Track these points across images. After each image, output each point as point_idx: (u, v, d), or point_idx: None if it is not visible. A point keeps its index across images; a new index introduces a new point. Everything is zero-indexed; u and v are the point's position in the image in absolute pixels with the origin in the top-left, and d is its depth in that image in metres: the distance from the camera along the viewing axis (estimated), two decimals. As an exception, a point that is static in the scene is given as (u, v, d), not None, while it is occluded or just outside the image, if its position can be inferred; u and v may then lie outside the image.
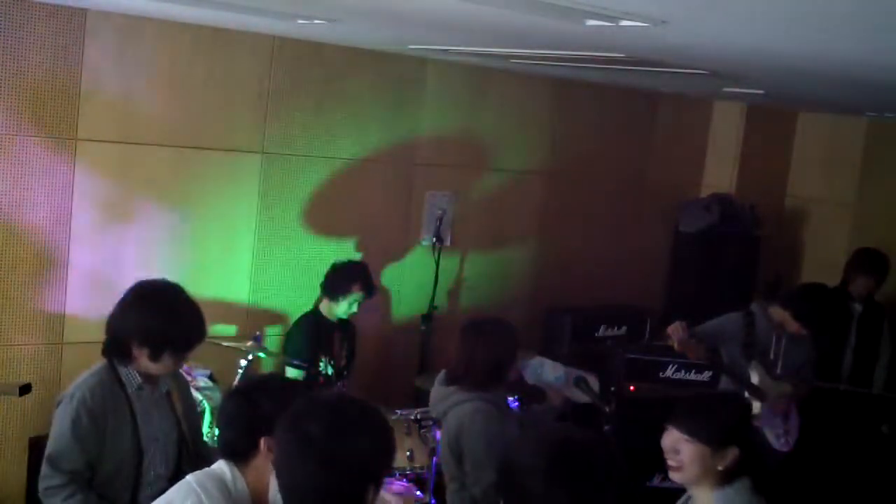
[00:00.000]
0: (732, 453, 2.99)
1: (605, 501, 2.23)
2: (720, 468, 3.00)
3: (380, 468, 2.24)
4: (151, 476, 3.25)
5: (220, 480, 2.62)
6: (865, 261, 6.25)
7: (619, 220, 7.33)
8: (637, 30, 3.22)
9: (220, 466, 2.66)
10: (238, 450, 2.65)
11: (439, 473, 4.79)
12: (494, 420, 3.83)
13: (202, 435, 3.88)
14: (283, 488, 2.21)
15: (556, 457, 2.28)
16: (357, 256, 5.75)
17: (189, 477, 2.65)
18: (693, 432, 3.02)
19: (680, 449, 3.03)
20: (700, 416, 3.06)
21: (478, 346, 3.92)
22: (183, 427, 3.37)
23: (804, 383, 5.25)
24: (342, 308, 5.33)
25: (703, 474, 3.02)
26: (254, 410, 2.62)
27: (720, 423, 3.04)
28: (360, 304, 5.36)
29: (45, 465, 3.19)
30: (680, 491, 3.22)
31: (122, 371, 3.24)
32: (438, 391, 4.05)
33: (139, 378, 3.25)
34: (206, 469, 2.68)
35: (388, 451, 2.27)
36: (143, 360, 3.20)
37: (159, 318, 3.21)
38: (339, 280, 5.35)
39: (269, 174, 5.55)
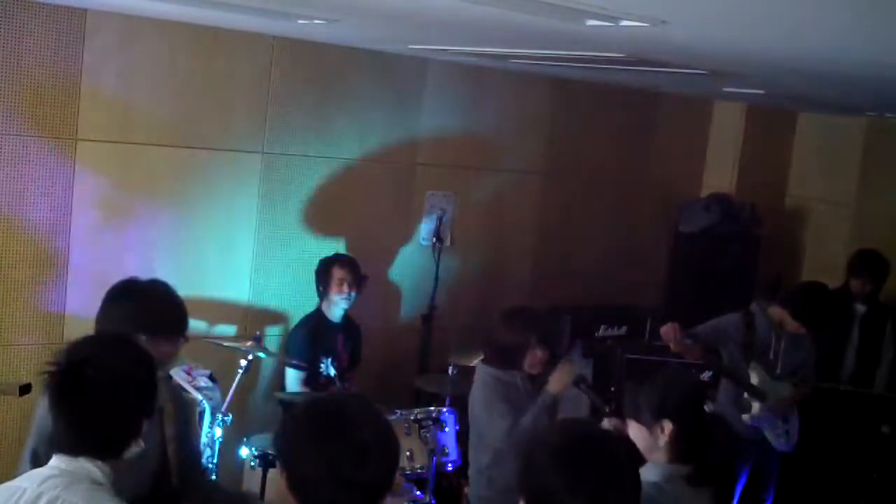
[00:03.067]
0: (667, 427, 2.89)
1: (607, 496, 2.23)
2: (661, 444, 2.90)
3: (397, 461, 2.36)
4: None
5: (92, 483, 2.30)
6: (860, 262, 6.27)
7: (619, 220, 7.32)
8: (637, 30, 3.22)
9: (84, 466, 2.32)
10: (121, 443, 2.37)
11: (439, 474, 4.80)
12: (491, 390, 4.34)
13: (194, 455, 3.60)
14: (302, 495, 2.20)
15: (562, 445, 2.29)
16: (356, 256, 5.74)
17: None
18: (628, 412, 2.99)
19: (630, 429, 2.99)
20: (632, 394, 3.00)
21: (496, 331, 4.49)
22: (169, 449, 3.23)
23: (805, 384, 5.25)
24: (336, 298, 5.31)
25: (650, 452, 2.92)
26: (129, 390, 2.38)
27: (647, 397, 2.95)
28: (350, 286, 5.31)
29: None
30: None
31: None
32: (476, 367, 4.65)
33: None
34: (57, 477, 2.30)
35: None
36: None
37: (133, 305, 3.19)
38: (322, 269, 5.37)
39: (269, 174, 5.54)
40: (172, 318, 3.23)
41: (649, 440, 2.91)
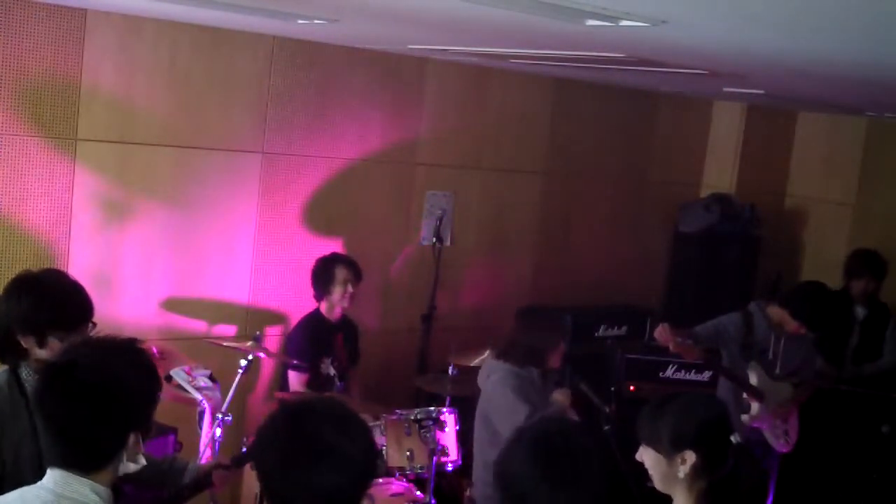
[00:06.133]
0: (689, 459, 2.65)
1: (585, 486, 2.25)
2: (681, 476, 2.68)
3: (377, 468, 2.26)
4: None
5: None
6: (860, 262, 6.26)
7: (619, 220, 7.33)
8: (637, 30, 3.22)
9: (79, 490, 2.20)
10: (102, 454, 2.25)
11: (439, 474, 4.80)
12: (518, 389, 4.46)
13: None
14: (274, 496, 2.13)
15: (535, 437, 2.32)
16: (356, 256, 5.74)
17: None
18: (644, 438, 2.75)
19: (643, 456, 2.76)
20: (650, 419, 2.74)
21: (521, 331, 4.68)
22: None
23: (805, 384, 5.25)
24: (337, 296, 5.32)
25: (667, 484, 2.72)
26: (117, 398, 2.25)
27: (667, 423, 2.69)
28: (353, 286, 5.34)
29: None
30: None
31: (23, 375, 3.00)
32: (487, 363, 4.74)
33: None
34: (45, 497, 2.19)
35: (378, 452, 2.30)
36: (34, 349, 2.96)
37: (33, 300, 2.98)
38: (322, 270, 5.37)
39: (269, 174, 5.55)
40: (80, 306, 3.04)
41: (667, 471, 2.69)
